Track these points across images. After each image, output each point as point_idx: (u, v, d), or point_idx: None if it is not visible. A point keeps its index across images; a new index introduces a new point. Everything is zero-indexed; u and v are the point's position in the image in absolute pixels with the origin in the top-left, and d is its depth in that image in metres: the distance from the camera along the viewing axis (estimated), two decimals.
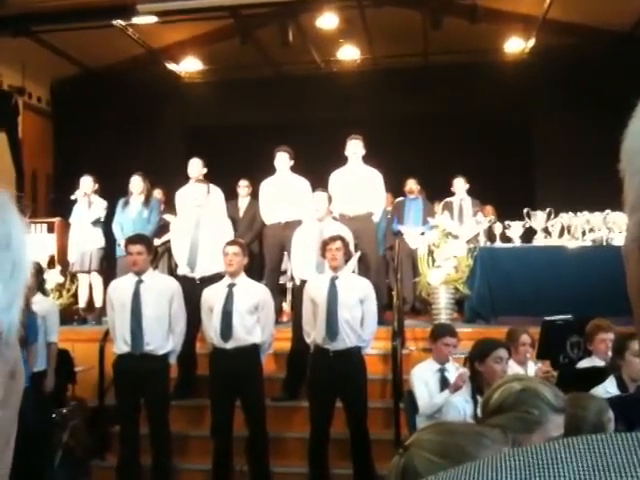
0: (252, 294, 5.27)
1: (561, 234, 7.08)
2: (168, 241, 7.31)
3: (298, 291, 5.95)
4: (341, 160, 7.03)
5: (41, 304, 5.29)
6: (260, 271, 7.28)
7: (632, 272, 0.52)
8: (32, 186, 10.63)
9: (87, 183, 7.71)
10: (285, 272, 7.53)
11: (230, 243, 5.44)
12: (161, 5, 8.39)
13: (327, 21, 9.53)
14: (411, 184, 8.60)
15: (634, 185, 0.50)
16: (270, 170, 7.17)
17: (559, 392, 2.05)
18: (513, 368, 4.24)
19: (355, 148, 6.92)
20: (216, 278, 5.69)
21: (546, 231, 7.11)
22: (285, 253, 6.92)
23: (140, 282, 5.18)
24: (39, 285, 5.57)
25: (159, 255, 7.68)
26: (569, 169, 9.85)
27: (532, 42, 10.22)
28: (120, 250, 7.07)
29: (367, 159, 7.03)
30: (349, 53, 10.93)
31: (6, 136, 9.99)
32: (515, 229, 7.12)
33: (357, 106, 10.47)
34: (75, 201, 7.71)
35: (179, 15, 9.08)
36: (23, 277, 0.55)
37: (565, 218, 7.07)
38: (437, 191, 8.79)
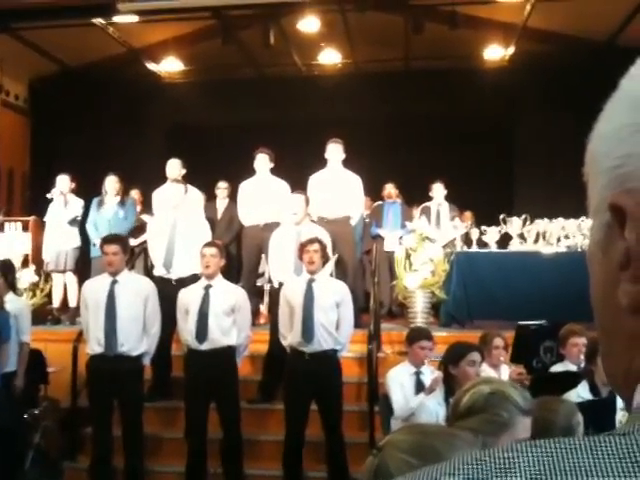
0: (228, 296, 5.26)
1: (536, 240, 7.16)
2: (145, 241, 7.26)
3: (275, 293, 5.94)
4: (321, 163, 7.04)
5: (13, 303, 5.23)
6: (237, 273, 7.26)
7: (595, 276, 0.52)
8: (8, 184, 10.50)
9: (64, 182, 7.63)
10: (263, 274, 7.52)
11: (207, 245, 5.42)
12: (142, 4, 8.34)
13: (309, 24, 9.53)
14: (389, 188, 8.66)
15: (597, 187, 0.50)
16: (250, 172, 7.16)
17: (527, 395, 2.08)
18: (487, 371, 4.27)
19: (335, 152, 6.93)
20: (193, 279, 5.67)
21: (522, 237, 7.18)
22: (263, 255, 6.90)
23: (115, 282, 5.14)
24: (10, 284, 5.50)
25: (135, 255, 7.63)
26: (547, 176, 9.95)
27: (512, 49, 10.31)
28: (95, 250, 7.01)
29: (347, 163, 7.05)
30: (330, 57, 10.93)
31: None
32: (491, 234, 7.18)
33: (338, 110, 10.49)
34: (51, 200, 7.63)
35: (160, 15, 9.03)
36: None
37: (541, 224, 7.15)
38: (416, 196, 8.83)
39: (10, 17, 8.83)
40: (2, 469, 4.43)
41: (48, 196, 7.62)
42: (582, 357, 4.27)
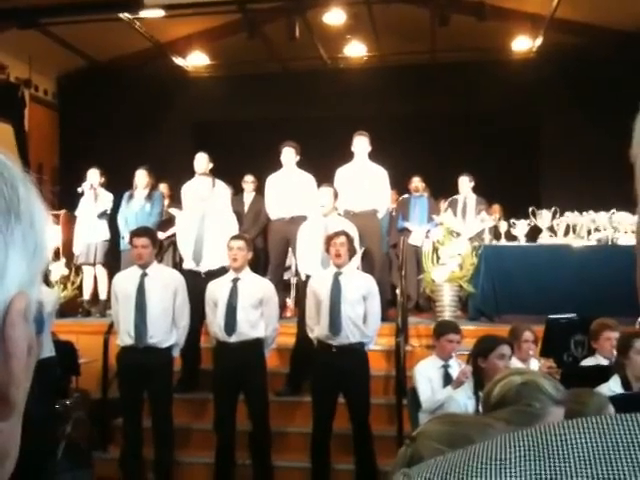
0: (256, 289, 5.28)
1: (566, 233, 7.07)
2: (173, 235, 7.32)
3: (302, 286, 5.95)
4: (347, 156, 7.02)
5: (46, 295, 5.29)
6: (264, 266, 7.29)
7: None
8: (38, 178, 10.58)
9: (94, 176, 7.73)
10: (289, 267, 7.53)
11: (235, 238, 5.44)
12: None
13: (334, 17, 9.52)
14: (416, 182, 8.61)
15: None
16: (276, 165, 7.17)
17: (559, 385, 2.05)
18: (516, 365, 4.23)
19: (361, 144, 6.91)
20: (221, 272, 5.69)
21: (551, 230, 7.09)
22: (290, 248, 6.92)
23: (145, 275, 5.19)
24: (43, 276, 5.56)
25: (164, 249, 7.70)
26: (575, 168, 9.83)
27: (540, 41, 10.19)
28: (125, 243, 7.09)
29: (373, 156, 7.02)
30: (356, 49, 10.90)
31: (12, 128, 10.02)
32: (520, 228, 7.11)
33: (363, 103, 10.46)
34: (81, 194, 7.73)
35: (186, 9, 9.08)
36: (43, 258, 0.56)
37: (570, 217, 7.06)
38: (442, 189, 8.78)
39: (38, 13, 8.94)
40: (34, 461, 4.48)
41: (79, 190, 7.72)
42: (614, 351, 4.23)
